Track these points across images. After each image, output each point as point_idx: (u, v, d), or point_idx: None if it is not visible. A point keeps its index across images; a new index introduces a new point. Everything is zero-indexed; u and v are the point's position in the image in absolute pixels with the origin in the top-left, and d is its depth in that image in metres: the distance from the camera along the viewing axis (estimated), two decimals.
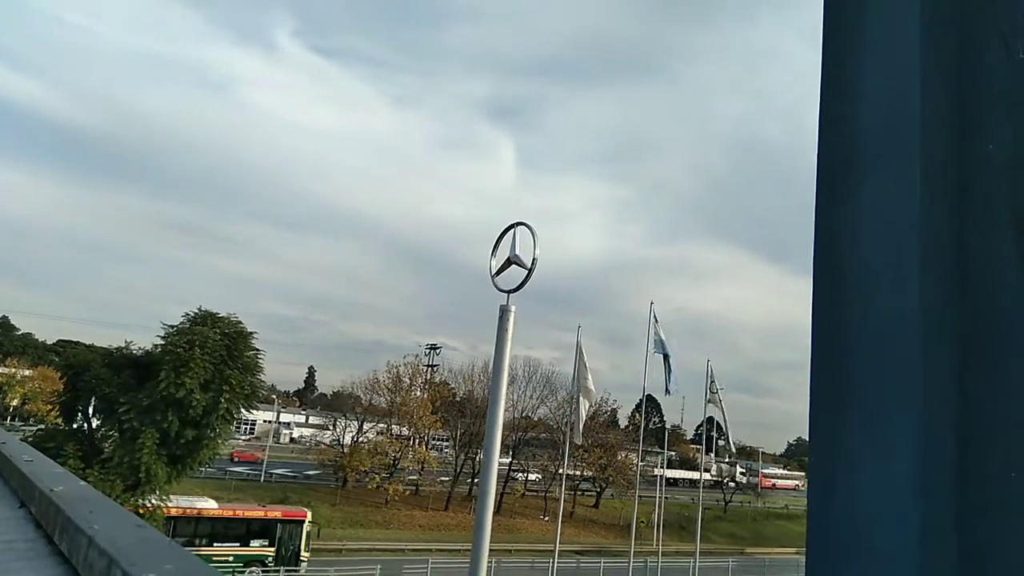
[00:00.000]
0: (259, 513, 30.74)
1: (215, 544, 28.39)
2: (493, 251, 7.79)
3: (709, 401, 33.17)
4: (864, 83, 0.78)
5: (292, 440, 79.40)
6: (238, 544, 29.16)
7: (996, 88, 0.72)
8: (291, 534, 30.26)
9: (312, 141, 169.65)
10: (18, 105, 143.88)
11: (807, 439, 0.77)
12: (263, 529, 29.98)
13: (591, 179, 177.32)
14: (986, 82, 0.73)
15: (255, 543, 29.46)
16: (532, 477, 57.55)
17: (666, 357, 30.04)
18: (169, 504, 23.95)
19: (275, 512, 31.20)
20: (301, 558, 30.40)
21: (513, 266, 7.64)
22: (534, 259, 7.52)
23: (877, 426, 0.68)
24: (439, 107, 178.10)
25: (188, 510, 27.68)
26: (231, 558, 28.40)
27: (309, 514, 31.61)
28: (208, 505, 29.95)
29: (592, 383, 29.28)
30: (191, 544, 26.96)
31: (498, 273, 7.62)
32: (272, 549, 29.73)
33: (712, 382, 32.86)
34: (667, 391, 30.92)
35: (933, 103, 0.72)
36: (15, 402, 63.37)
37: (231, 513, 30.13)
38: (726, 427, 34.37)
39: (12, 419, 62.62)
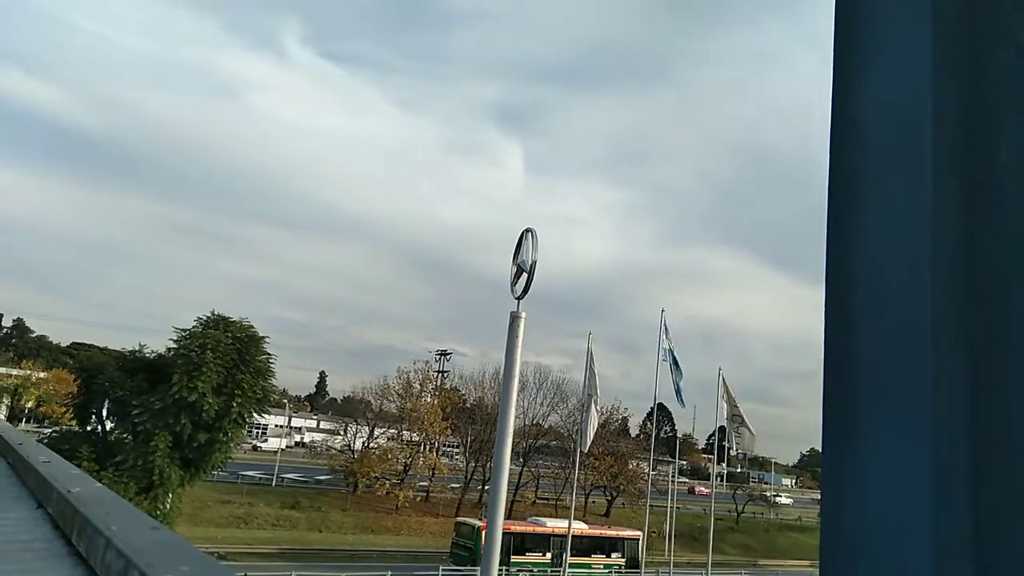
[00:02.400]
0: (612, 533, 41.98)
1: (592, 555, 38.39)
2: (513, 259, 7.81)
3: (734, 415, 32.76)
4: (875, 89, 0.78)
5: (298, 444, 79.43)
6: (604, 555, 39.51)
7: (1008, 94, 0.72)
8: (632, 548, 40.26)
9: (321, 145, 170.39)
10: (33, 109, 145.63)
11: (820, 450, 0.77)
12: (616, 544, 40.29)
13: (599, 184, 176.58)
14: (998, 88, 0.72)
15: (614, 555, 39.80)
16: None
17: (675, 368, 29.91)
18: (551, 525, 35.41)
19: (622, 532, 42.23)
20: (639, 564, 39.82)
21: (524, 273, 7.66)
22: (533, 262, 7.52)
23: (890, 436, 0.67)
24: (447, 112, 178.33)
25: (572, 530, 34.15)
26: (602, 566, 39.13)
27: (642, 534, 40.70)
28: (580, 526, 38.80)
29: (599, 390, 29.34)
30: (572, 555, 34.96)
31: (514, 281, 7.64)
32: (623, 559, 40.08)
33: (727, 391, 32.59)
34: (680, 403, 30.86)
35: (944, 109, 0.71)
36: (30, 404, 63.97)
37: (597, 532, 41.11)
38: (750, 432, 33.65)
39: (27, 421, 63.24)
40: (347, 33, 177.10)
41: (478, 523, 32.80)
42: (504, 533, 27.03)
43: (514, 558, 34.11)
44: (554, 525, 37.13)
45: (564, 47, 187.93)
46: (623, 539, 40.84)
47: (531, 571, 35.87)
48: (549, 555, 35.78)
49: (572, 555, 32.01)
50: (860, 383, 0.72)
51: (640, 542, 40.09)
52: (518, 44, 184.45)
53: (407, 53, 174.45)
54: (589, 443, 32.93)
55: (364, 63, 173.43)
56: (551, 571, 35.82)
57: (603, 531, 42.09)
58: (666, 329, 30.08)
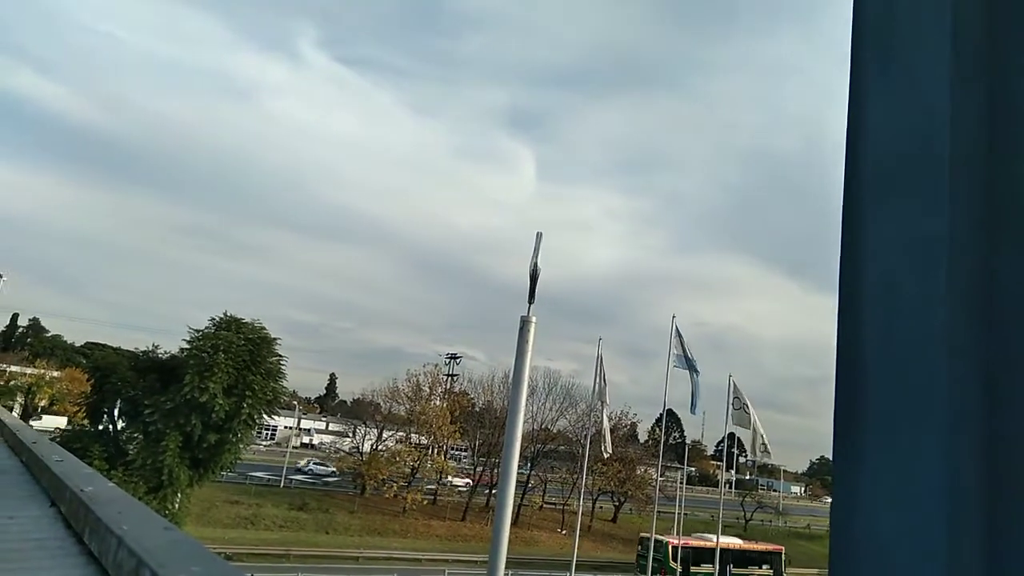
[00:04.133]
0: (761, 547, 46.61)
1: (747, 567, 43.62)
2: (532, 264, 7.80)
3: (737, 422, 32.53)
4: (892, 97, 0.77)
5: (304, 445, 79.48)
6: (756, 567, 44.35)
7: None
8: (777, 560, 45.14)
9: (333, 149, 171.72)
10: (47, 110, 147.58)
11: (830, 458, 0.76)
12: (766, 557, 45.16)
13: (610, 190, 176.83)
14: (1017, 97, 0.71)
15: (764, 566, 44.49)
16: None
17: (692, 371, 29.68)
18: (712, 539, 38.86)
19: (769, 547, 46.96)
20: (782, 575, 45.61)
21: (532, 278, 7.66)
22: (537, 266, 7.51)
23: (902, 447, 0.67)
24: (459, 117, 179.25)
25: (728, 544, 42.09)
26: None
27: (784, 548, 46.75)
28: (734, 541, 45.48)
29: (607, 396, 29.28)
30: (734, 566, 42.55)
31: (530, 286, 7.63)
32: (771, 571, 44.75)
33: (737, 397, 32.34)
34: (692, 411, 30.68)
35: (963, 116, 0.71)
36: (43, 402, 64.45)
37: (749, 547, 45.94)
38: (763, 437, 33.30)
39: (40, 419, 63.72)
40: (361, 38, 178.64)
41: (664, 538, 40.31)
42: (684, 547, 40.98)
43: (692, 568, 40.47)
44: (719, 540, 41.85)
45: (576, 54, 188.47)
46: (771, 552, 46.25)
47: None
48: (715, 567, 40.56)
49: (735, 567, 41.87)
50: (872, 392, 0.71)
51: (783, 555, 45.69)
52: (531, 50, 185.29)
53: (420, 58, 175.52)
54: (610, 448, 33.15)
55: (378, 68, 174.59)
56: None
57: (754, 545, 47.35)
58: (679, 335, 29.89)
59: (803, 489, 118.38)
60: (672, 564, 39.30)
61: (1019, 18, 0.74)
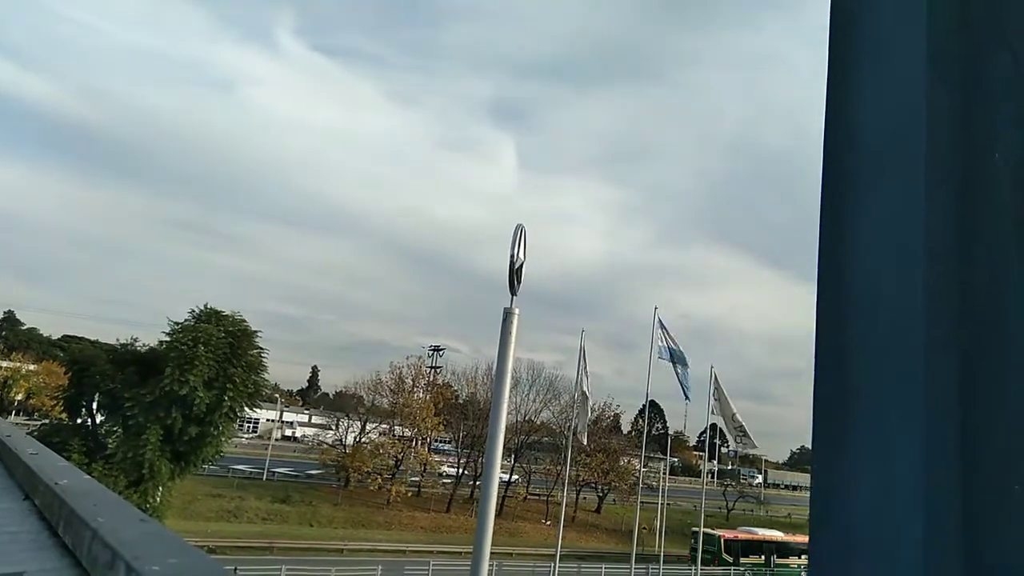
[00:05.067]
0: (802, 539, 46.93)
1: (788, 557, 46.73)
2: (510, 255, 7.79)
3: (733, 416, 32.84)
4: (870, 90, 0.78)
5: (286, 438, 79.05)
6: (797, 557, 46.92)
7: (1002, 96, 0.72)
8: None
9: (314, 140, 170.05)
10: (25, 102, 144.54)
11: (810, 447, 0.77)
12: (805, 548, 46.03)
13: (594, 182, 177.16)
14: (992, 90, 0.72)
15: (804, 556, 44.31)
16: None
17: (676, 363, 29.95)
18: (762, 533, 44.57)
19: (808, 539, 52.40)
20: None
21: (514, 269, 7.65)
22: (521, 259, 7.51)
23: (881, 434, 0.68)
24: (441, 107, 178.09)
25: (772, 537, 46.49)
26: (797, 566, 46.67)
27: None
28: (777, 534, 48.81)
29: (588, 387, 29.55)
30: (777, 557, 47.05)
31: (510, 277, 7.62)
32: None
33: (717, 387, 32.66)
34: (686, 397, 31.06)
35: (939, 110, 0.72)
36: (20, 396, 63.62)
37: (791, 539, 48.48)
38: (738, 430, 33.71)
39: (16, 413, 62.87)
40: (341, 27, 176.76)
41: (716, 532, 44.34)
42: (734, 540, 47.17)
43: (742, 559, 44.08)
44: (764, 533, 47.38)
45: (559, 44, 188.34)
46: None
47: (752, 570, 45.94)
48: (762, 558, 45.31)
49: (777, 557, 45.42)
50: (851, 381, 0.72)
51: None
52: (513, 40, 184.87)
53: (401, 48, 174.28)
54: (585, 438, 33.39)
55: (358, 57, 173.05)
56: (765, 570, 46.44)
57: (794, 538, 49.60)
58: (663, 326, 30.10)
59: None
60: (725, 556, 43.41)
61: (993, 13, 0.74)
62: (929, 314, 0.66)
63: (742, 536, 45.35)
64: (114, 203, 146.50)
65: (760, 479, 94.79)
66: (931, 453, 0.64)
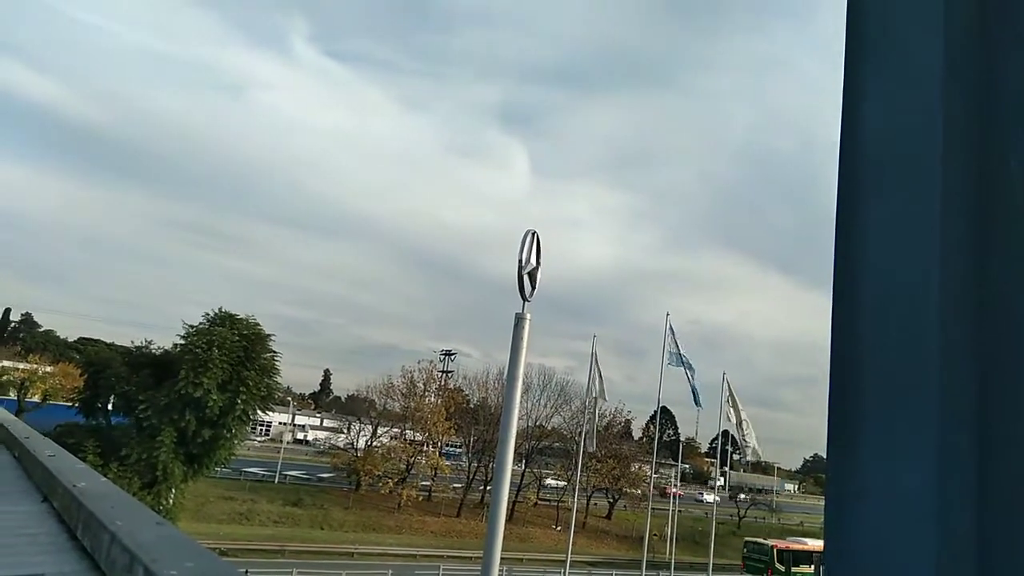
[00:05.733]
0: None
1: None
2: (519, 260, 7.79)
3: (741, 422, 32.67)
4: (885, 95, 0.77)
5: (297, 441, 79.29)
6: None
7: (1019, 101, 0.71)
8: None
9: (326, 144, 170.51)
10: (37, 105, 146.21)
11: (823, 455, 0.77)
12: None
13: (603, 187, 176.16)
14: (1009, 96, 0.72)
15: None
16: (550, 482, 57.45)
17: (688, 369, 29.91)
18: (811, 544, 44.01)
19: None
20: None
21: (526, 275, 7.64)
22: (535, 265, 7.51)
23: (895, 443, 0.67)
24: (451, 113, 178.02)
25: (817, 547, 44.32)
26: None
27: None
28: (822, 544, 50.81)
29: (599, 391, 29.49)
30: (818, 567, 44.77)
31: (520, 283, 7.62)
32: None
33: (731, 395, 32.49)
34: (697, 404, 30.96)
35: (955, 117, 0.71)
36: (36, 397, 64.23)
37: None
38: (748, 438, 33.63)
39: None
40: (352, 33, 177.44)
41: (768, 542, 44.91)
42: (786, 550, 45.56)
43: (793, 569, 43.88)
44: (812, 543, 46.60)
45: (569, 50, 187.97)
46: None
47: None
48: (812, 567, 44.60)
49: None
50: (866, 389, 0.71)
51: None
52: (523, 46, 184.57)
53: (412, 54, 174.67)
54: (594, 444, 33.30)
55: (369, 63, 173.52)
56: None
57: None
58: (673, 332, 30.00)
59: (797, 486, 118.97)
60: (778, 565, 43.46)
61: (1011, 16, 0.74)
62: (945, 322, 0.66)
63: (794, 546, 45.89)
64: (129, 206, 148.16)
65: (775, 487, 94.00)
66: (947, 464, 0.63)
